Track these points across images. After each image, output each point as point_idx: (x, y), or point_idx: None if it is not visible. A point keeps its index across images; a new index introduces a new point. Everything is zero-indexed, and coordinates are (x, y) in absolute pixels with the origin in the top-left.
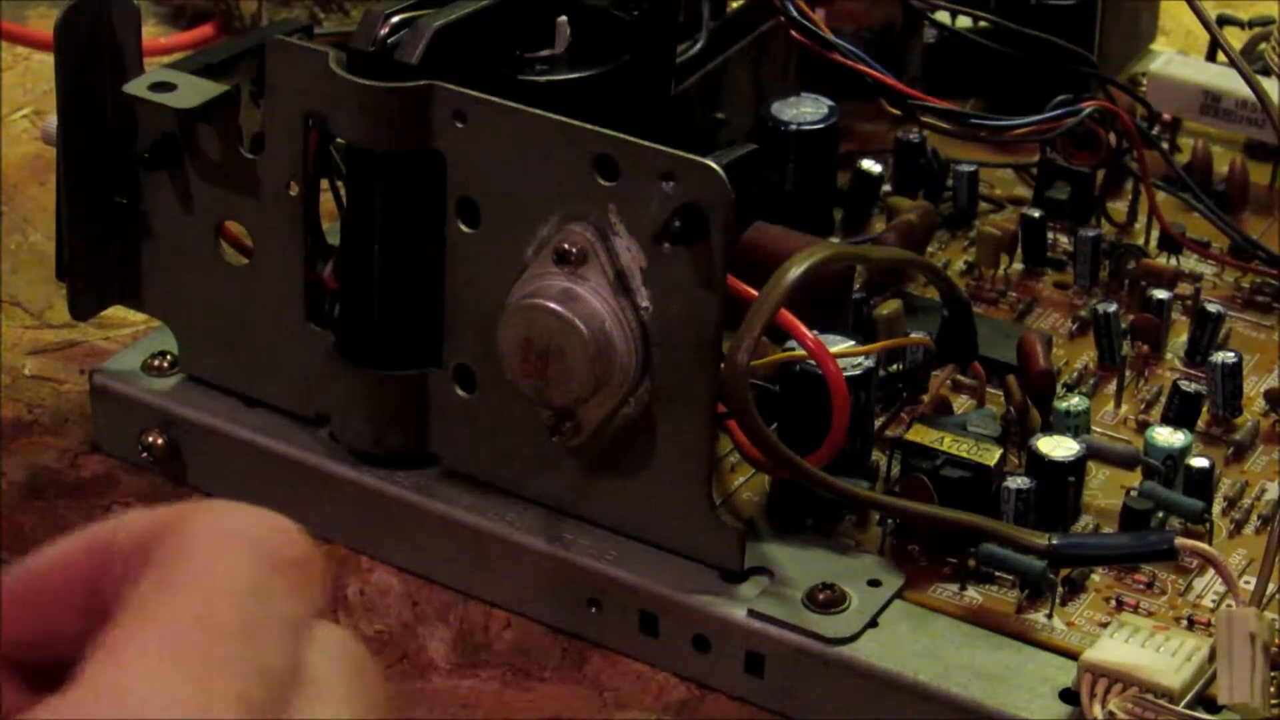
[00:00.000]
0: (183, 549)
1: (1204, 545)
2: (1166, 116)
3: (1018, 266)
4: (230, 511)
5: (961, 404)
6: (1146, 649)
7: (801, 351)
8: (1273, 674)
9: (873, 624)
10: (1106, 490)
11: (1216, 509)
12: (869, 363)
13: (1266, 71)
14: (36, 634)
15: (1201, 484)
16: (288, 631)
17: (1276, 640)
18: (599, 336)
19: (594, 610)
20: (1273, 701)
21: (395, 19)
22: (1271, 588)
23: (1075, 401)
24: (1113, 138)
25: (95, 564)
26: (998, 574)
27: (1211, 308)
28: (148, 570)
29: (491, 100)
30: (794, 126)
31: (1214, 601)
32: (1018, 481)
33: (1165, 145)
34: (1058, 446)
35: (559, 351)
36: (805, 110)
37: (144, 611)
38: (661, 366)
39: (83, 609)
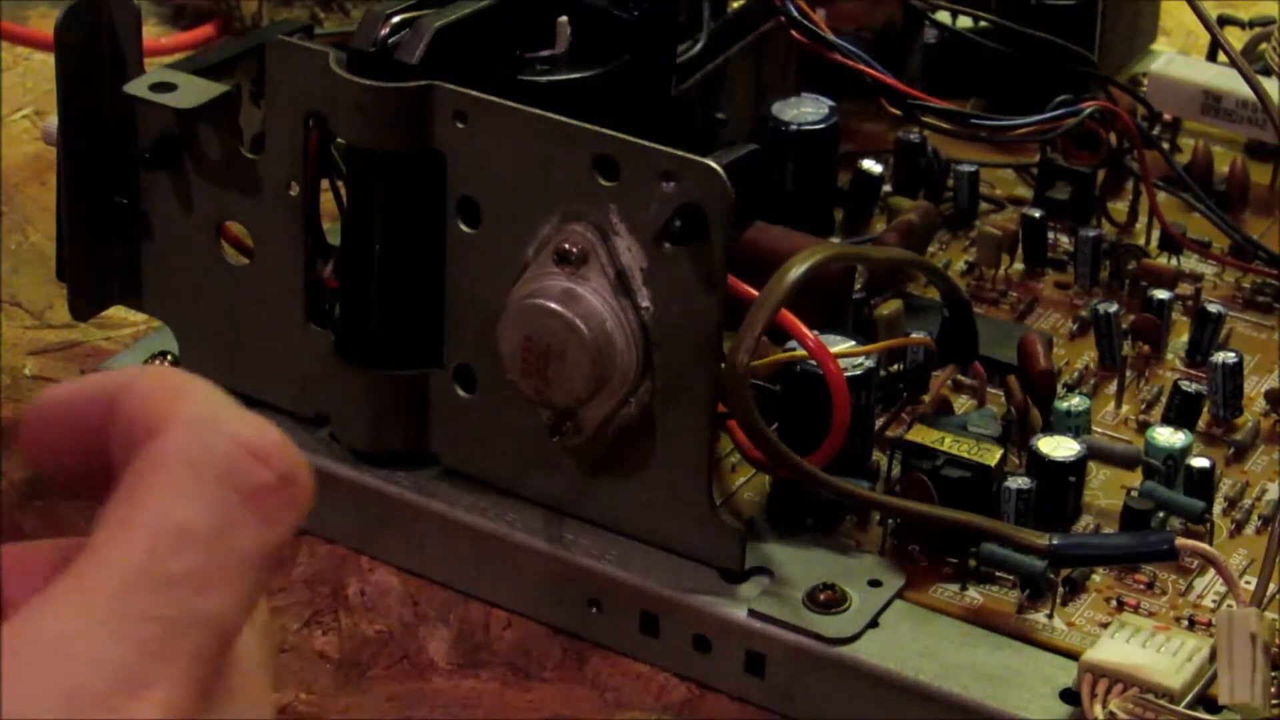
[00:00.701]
0: (152, 471)
1: (1204, 545)
2: (1167, 116)
3: (1018, 266)
4: (212, 425)
5: (962, 404)
6: (1147, 649)
7: (802, 351)
8: (1273, 674)
9: (873, 624)
10: (1107, 490)
11: (1217, 509)
12: (869, 363)
13: (1267, 71)
14: (69, 455)
15: (1202, 484)
16: (248, 566)
17: (1277, 640)
18: (599, 337)
19: (594, 610)
20: (1273, 702)
21: (395, 19)
22: (1272, 588)
23: (1076, 401)
24: (1113, 138)
25: (99, 419)
26: (998, 574)
27: (1212, 308)
28: (123, 480)
29: (492, 100)
30: (794, 126)
31: (1214, 602)
32: (1018, 481)
33: (1166, 145)
34: (1058, 446)
35: (560, 352)
36: (805, 110)
37: (93, 559)
38: (661, 366)
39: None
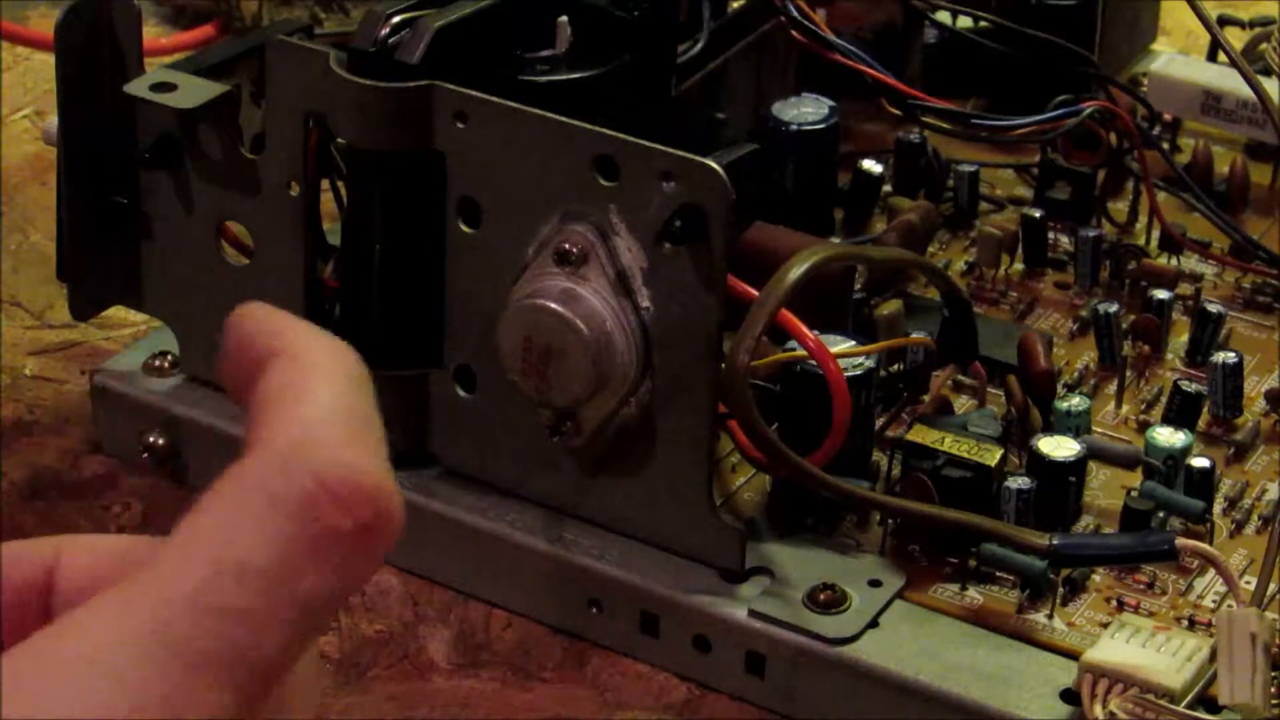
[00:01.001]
0: (230, 497)
1: (1205, 545)
2: (1167, 116)
3: (1018, 266)
4: (302, 457)
5: (962, 404)
6: (1147, 649)
7: (802, 351)
8: (1273, 674)
9: (873, 624)
10: (1107, 490)
11: (1217, 509)
12: (869, 363)
13: (1267, 71)
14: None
15: (1202, 484)
16: (304, 612)
17: (1277, 640)
18: (599, 337)
19: (594, 610)
20: (1273, 702)
21: (396, 19)
22: (1272, 588)
23: (1076, 402)
24: (1113, 138)
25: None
26: (998, 574)
27: (1212, 308)
28: (203, 496)
29: (492, 100)
30: (794, 126)
31: (1215, 602)
32: (1018, 481)
33: (1166, 145)
34: (1058, 446)
35: (560, 352)
36: (805, 110)
37: (146, 577)
38: (661, 366)
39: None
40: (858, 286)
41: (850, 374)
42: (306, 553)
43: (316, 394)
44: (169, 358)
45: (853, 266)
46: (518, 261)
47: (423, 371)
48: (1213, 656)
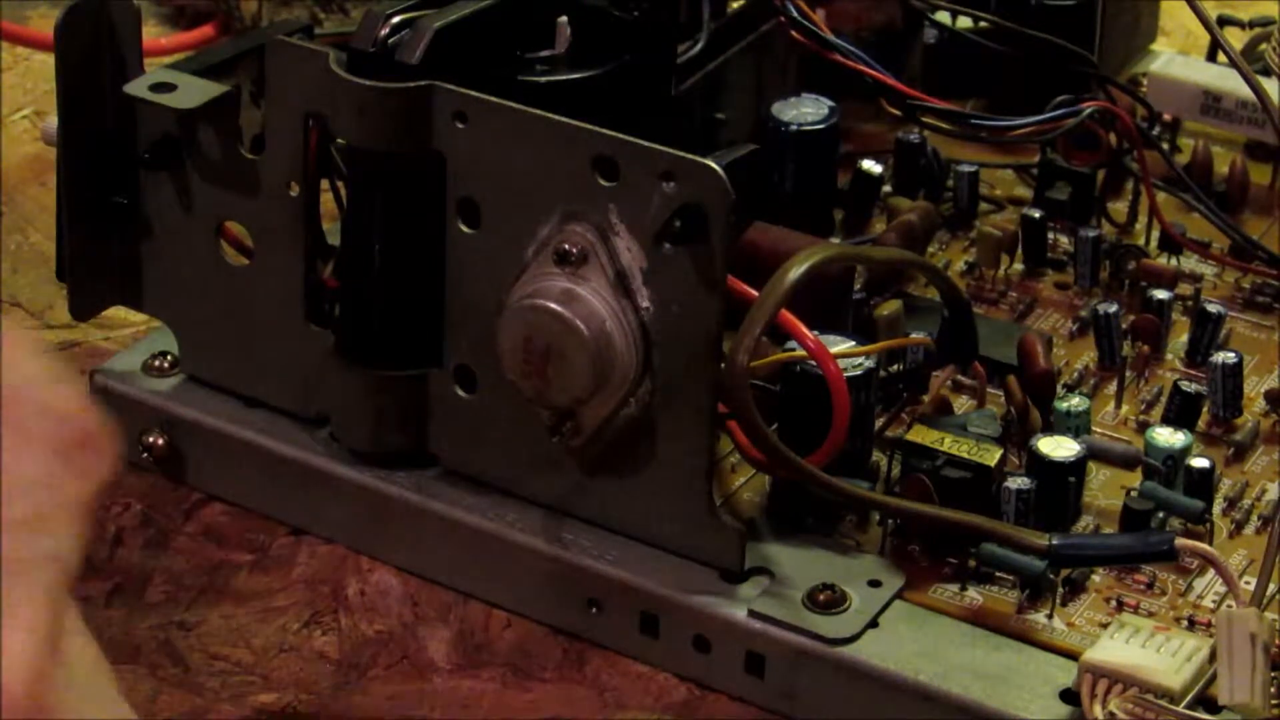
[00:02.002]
0: None
1: (1204, 546)
2: (1167, 117)
3: (1018, 267)
4: (19, 402)
5: (962, 404)
6: (1147, 649)
7: (802, 352)
8: (1273, 674)
9: (873, 624)
10: (1107, 490)
11: (1217, 509)
12: (869, 363)
13: (1267, 72)
14: None
15: (1202, 484)
16: (76, 513)
17: (1277, 641)
18: (599, 337)
19: (594, 610)
20: (1273, 702)
21: (395, 19)
22: (1272, 588)
23: (1075, 402)
24: (1113, 138)
25: None
26: (998, 574)
27: (1212, 308)
28: None
29: (492, 101)
30: (794, 126)
31: (1214, 602)
32: (1018, 482)
33: (1165, 145)
34: (1058, 447)
35: (559, 352)
36: (805, 110)
37: None
38: (661, 366)
39: None
40: (858, 286)
41: (850, 374)
42: (59, 462)
43: (11, 360)
44: (169, 358)
45: (853, 266)
46: (517, 261)
47: (423, 371)
48: (1212, 656)
